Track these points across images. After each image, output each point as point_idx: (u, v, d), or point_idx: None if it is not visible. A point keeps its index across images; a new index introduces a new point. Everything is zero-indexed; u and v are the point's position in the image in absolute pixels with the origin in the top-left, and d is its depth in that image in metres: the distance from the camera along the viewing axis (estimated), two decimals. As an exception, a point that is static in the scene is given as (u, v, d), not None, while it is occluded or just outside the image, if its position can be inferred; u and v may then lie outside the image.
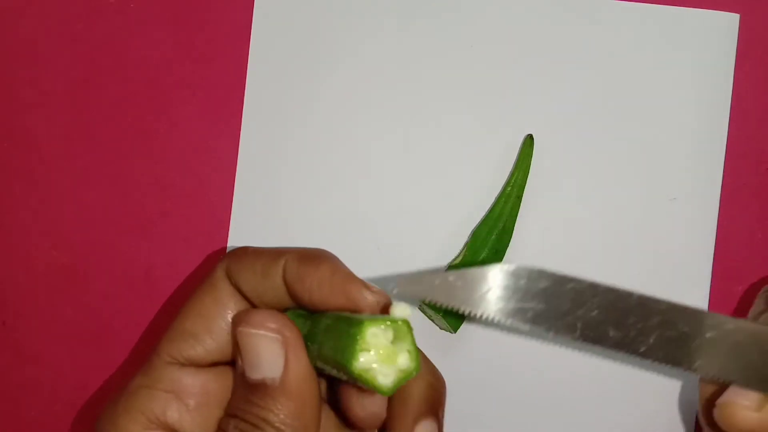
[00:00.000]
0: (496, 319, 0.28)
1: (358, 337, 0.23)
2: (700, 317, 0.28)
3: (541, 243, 0.37)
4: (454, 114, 0.37)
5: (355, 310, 0.25)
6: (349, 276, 0.26)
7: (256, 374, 0.25)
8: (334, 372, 0.25)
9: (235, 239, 0.37)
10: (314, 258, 0.26)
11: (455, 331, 0.36)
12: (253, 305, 0.27)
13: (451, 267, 0.36)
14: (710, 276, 0.36)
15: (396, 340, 0.24)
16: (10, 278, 0.38)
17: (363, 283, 0.26)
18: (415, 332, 0.24)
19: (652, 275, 0.36)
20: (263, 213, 0.38)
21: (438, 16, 0.37)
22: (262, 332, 0.25)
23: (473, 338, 0.37)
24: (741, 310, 0.36)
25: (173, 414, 0.26)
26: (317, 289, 0.25)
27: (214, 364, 0.27)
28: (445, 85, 0.37)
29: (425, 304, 0.36)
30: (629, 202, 0.37)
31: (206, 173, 0.38)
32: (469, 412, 0.36)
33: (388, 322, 0.24)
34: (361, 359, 0.23)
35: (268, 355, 0.25)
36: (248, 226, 0.38)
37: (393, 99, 0.37)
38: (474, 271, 0.28)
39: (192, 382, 0.27)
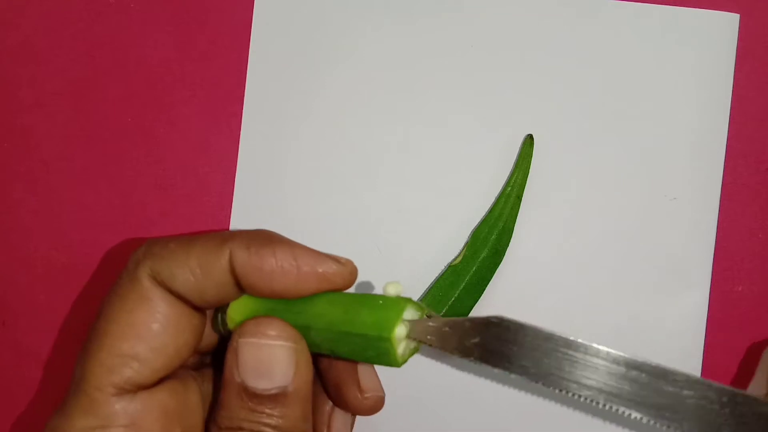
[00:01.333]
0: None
1: (392, 347, 0.24)
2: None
3: (541, 243, 0.37)
4: (454, 114, 0.37)
5: (328, 287, 0.24)
6: (313, 253, 0.24)
7: (266, 384, 0.23)
8: (326, 350, 0.25)
9: (235, 239, 0.37)
10: (265, 241, 0.24)
11: (455, 331, 0.36)
12: (190, 303, 0.24)
13: (451, 267, 0.36)
14: (710, 276, 0.36)
15: (406, 313, 0.25)
16: (10, 278, 0.38)
17: (329, 257, 0.24)
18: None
19: (652, 275, 0.36)
20: (263, 213, 0.38)
21: (438, 16, 0.37)
22: (277, 343, 0.23)
23: (473, 338, 0.37)
24: (741, 310, 0.36)
25: None
26: (281, 275, 0.23)
27: (161, 380, 0.24)
28: (445, 84, 0.37)
29: (425, 304, 0.36)
30: (629, 202, 0.37)
31: (206, 173, 0.38)
32: (467, 413, 0.36)
33: (418, 307, 0.25)
34: (400, 355, 0.24)
35: (280, 365, 0.23)
36: (248, 226, 0.37)
37: (393, 99, 0.37)
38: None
39: (148, 407, 0.23)
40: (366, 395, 0.27)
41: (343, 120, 0.38)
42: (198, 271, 0.23)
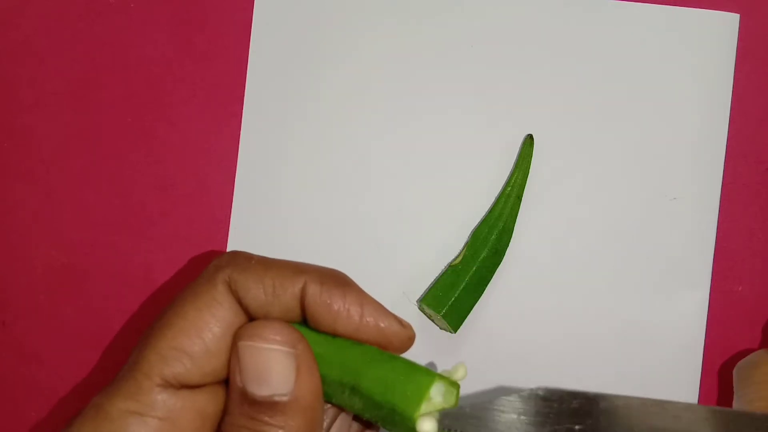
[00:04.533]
0: None
1: (425, 389, 0.23)
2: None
3: (541, 243, 0.37)
4: (454, 114, 0.37)
5: (383, 343, 0.24)
6: (380, 308, 0.24)
7: (263, 391, 0.23)
8: (348, 404, 0.25)
9: (235, 239, 0.37)
10: (339, 282, 0.24)
11: (455, 331, 0.36)
12: (249, 316, 0.25)
13: (451, 267, 0.36)
14: (710, 276, 0.36)
15: (446, 392, 0.24)
16: (10, 278, 0.38)
17: (395, 317, 0.25)
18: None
19: (652, 275, 0.36)
20: (263, 213, 0.38)
21: (438, 16, 0.37)
22: (274, 347, 0.23)
23: (473, 338, 0.37)
24: (741, 310, 0.36)
25: None
26: (346, 318, 0.24)
27: (206, 385, 0.25)
28: (445, 84, 0.37)
29: (424, 304, 0.36)
30: (629, 202, 0.37)
31: (206, 173, 0.38)
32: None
33: (449, 383, 0.24)
34: (423, 412, 0.23)
35: (278, 371, 0.23)
36: (248, 226, 0.38)
37: (393, 99, 0.37)
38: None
39: (187, 405, 0.24)
40: None
41: (343, 120, 0.38)
42: (270, 290, 0.24)
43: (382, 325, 0.24)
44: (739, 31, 0.37)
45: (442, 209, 0.37)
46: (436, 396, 0.24)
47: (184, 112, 0.38)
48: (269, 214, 0.37)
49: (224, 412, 0.25)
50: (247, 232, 0.37)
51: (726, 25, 0.37)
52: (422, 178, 0.37)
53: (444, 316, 0.35)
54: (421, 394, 0.23)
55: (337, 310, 0.24)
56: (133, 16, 0.38)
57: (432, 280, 0.37)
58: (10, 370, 0.38)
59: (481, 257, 0.36)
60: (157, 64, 0.38)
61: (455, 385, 0.24)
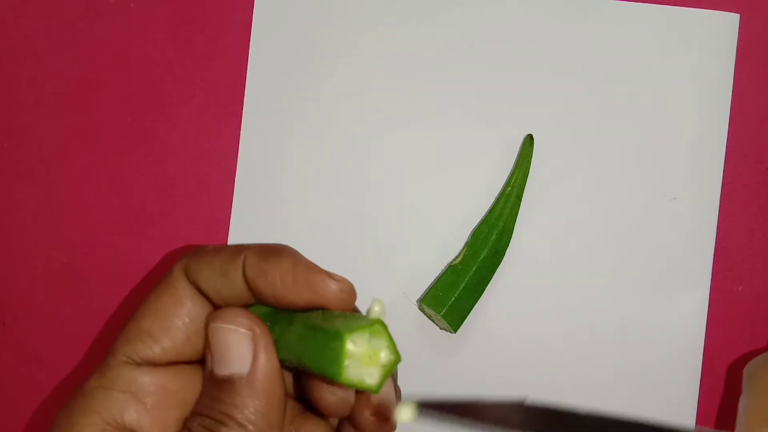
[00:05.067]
0: None
1: (340, 351, 0.23)
2: None
3: (541, 243, 0.37)
4: (454, 114, 0.37)
5: (321, 302, 0.25)
6: (312, 267, 0.25)
7: (223, 370, 0.25)
8: (296, 360, 0.25)
9: (235, 239, 0.38)
10: (274, 252, 0.26)
11: (455, 331, 0.36)
12: (213, 304, 0.27)
13: (451, 267, 0.36)
14: (710, 276, 0.36)
15: (373, 337, 0.24)
16: (10, 278, 0.38)
17: (326, 273, 0.25)
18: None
19: (652, 275, 0.36)
20: (263, 213, 0.38)
21: (438, 16, 0.37)
22: (232, 327, 0.25)
23: (473, 338, 0.37)
24: (741, 310, 0.36)
25: (131, 414, 0.26)
26: (280, 282, 0.25)
27: (170, 364, 0.27)
28: (445, 84, 0.37)
29: (424, 304, 0.36)
30: (629, 202, 0.37)
31: (206, 173, 0.38)
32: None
33: (365, 327, 0.24)
34: (348, 370, 0.23)
35: (237, 351, 0.25)
36: (248, 226, 0.38)
37: (393, 99, 0.37)
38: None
39: (149, 380, 0.26)
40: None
41: (343, 120, 0.38)
42: (219, 270, 0.26)
43: (313, 282, 0.25)
44: (739, 31, 0.37)
45: (442, 209, 0.37)
46: (360, 348, 0.24)
47: (184, 112, 0.38)
48: (269, 214, 0.37)
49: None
50: (247, 232, 0.37)
51: (726, 25, 0.37)
52: (422, 178, 0.37)
53: (444, 316, 0.35)
54: (339, 356, 0.23)
55: (272, 276, 0.25)
56: (133, 16, 0.38)
57: (432, 280, 0.37)
58: (10, 370, 0.38)
59: (481, 257, 0.36)
60: (157, 64, 0.38)
61: (376, 324, 0.24)
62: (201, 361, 0.27)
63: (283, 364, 0.26)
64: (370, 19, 0.38)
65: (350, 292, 0.25)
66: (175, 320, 0.27)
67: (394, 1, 0.38)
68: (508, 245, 0.36)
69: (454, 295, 0.35)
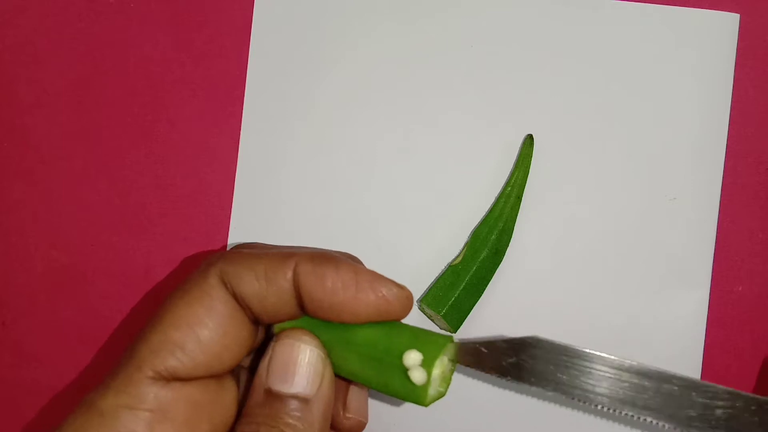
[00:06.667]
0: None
1: (437, 350, 0.24)
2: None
3: (541, 243, 0.37)
4: (454, 114, 0.37)
5: (386, 309, 0.25)
6: (375, 274, 0.24)
7: (287, 388, 0.24)
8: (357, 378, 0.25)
9: (235, 239, 0.37)
10: (330, 258, 0.25)
11: (455, 331, 0.36)
12: (250, 313, 0.25)
13: (451, 267, 0.36)
14: (710, 276, 0.36)
15: (443, 356, 0.25)
16: (10, 278, 0.38)
17: (391, 281, 0.25)
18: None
19: (652, 275, 0.36)
20: (263, 213, 0.38)
21: (438, 17, 0.37)
22: (308, 347, 0.24)
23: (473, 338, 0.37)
24: (741, 310, 0.36)
25: None
26: (342, 290, 0.24)
27: (198, 379, 0.25)
28: (445, 84, 0.37)
29: (424, 304, 0.36)
30: (629, 202, 0.37)
31: (206, 173, 0.38)
32: (469, 413, 0.36)
33: (439, 349, 0.25)
34: (430, 392, 0.24)
35: (306, 372, 0.24)
36: (248, 226, 0.38)
37: (393, 99, 0.37)
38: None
39: (179, 397, 0.24)
40: (348, 415, 0.28)
41: (342, 120, 0.38)
42: (264, 277, 0.24)
43: (380, 288, 0.24)
44: (739, 31, 0.37)
45: (442, 209, 0.37)
46: (437, 370, 0.25)
47: (184, 112, 0.38)
48: (269, 214, 0.37)
49: (243, 412, 0.25)
50: (247, 232, 0.37)
51: (726, 25, 0.37)
52: (422, 178, 0.37)
53: (444, 316, 0.35)
54: (424, 386, 0.24)
55: (332, 283, 0.24)
56: (133, 16, 0.38)
57: (432, 280, 0.37)
58: (10, 370, 0.38)
59: (481, 257, 0.36)
60: (157, 64, 0.38)
61: (448, 343, 0.25)
62: (227, 374, 0.26)
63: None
64: (369, 19, 0.38)
65: (411, 298, 0.25)
66: (208, 333, 0.24)
67: (393, 2, 0.38)
68: (508, 245, 0.36)
69: (454, 295, 0.35)
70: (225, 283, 0.25)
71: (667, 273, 0.36)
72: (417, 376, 0.24)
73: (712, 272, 0.36)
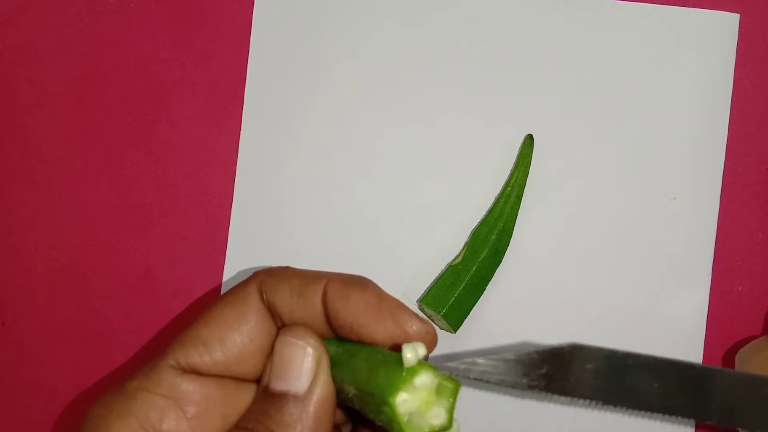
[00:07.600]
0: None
1: (393, 414, 0.23)
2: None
3: (541, 243, 0.37)
4: (454, 114, 0.37)
5: (402, 338, 0.25)
6: (398, 302, 0.25)
7: (280, 385, 0.25)
8: (357, 405, 0.25)
9: (235, 239, 0.37)
10: (359, 281, 0.26)
11: (455, 331, 0.36)
12: (281, 324, 0.26)
13: (451, 267, 0.36)
14: (710, 276, 0.36)
15: (421, 383, 0.24)
16: (10, 278, 0.38)
17: (412, 312, 0.25)
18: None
19: (652, 275, 0.36)
20: (263, 213, 0.38)
21: (438, 16, 0.37)
22: (301, 343, 0.25)
23: (473, 338, 0.37)
24: (741, 310, 0.36)
25: (170, 422, 0.25)
26: (364, 311, 0.25)
27: (217, 376, 0.26)
28: (445, 84, 0.37)
29: (424, 304, 0.36)
30: (629, 202, 0.37)
31: (206, 173, 0.38)
32: (469, 413, 0.36)
33: (405, 380, 0.23)
34: (411, 424, 0.23)
35: (298, 368, 0.25)
36: (248, 226, 0.38)
37: (393, 99, 0.37)
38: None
39: (193, 388, 0.25)
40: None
41: (342, 120, 0.38)
42: (296, 290, 0.26)
43: (400, 317, 0.25)
44: (739, 31, 0.37)
45: (442, 209, 0.37)
46: (414, 399, 0.23)
47: (184, 112, 0.38)
48: (269, 214, 0.37)
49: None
50: (247, 232, 0.37)
51: (726, 25, 0.37)
52: (422, 178, 0.37)
53: (444, 316, 0.35)
54: (396, 419, 0.23)
55: (356, 304, 0.25)
56: (133, 16, 0.38)
57: (432, 280, 0.37)
58: (10, 370, 0.38)
59: (481, 257, 0.36)
60: (157, 64, 0.38)
61: (416, 369, 0.24)
62: (249, 380, 0.27)
63: (341, 402, 0.26)
64: (369, 19, 0.38)
65: (434, 336, 0.26)
66: (234, 334, 0.26)
67: (393, 2, 0.38)
68: (508, 245, 0.36)
69: (454, 295, 0.35)
70: (262, 293, 0.26)
71: (667, 273, 0.36)
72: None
73: (712, 272, 0.36)
